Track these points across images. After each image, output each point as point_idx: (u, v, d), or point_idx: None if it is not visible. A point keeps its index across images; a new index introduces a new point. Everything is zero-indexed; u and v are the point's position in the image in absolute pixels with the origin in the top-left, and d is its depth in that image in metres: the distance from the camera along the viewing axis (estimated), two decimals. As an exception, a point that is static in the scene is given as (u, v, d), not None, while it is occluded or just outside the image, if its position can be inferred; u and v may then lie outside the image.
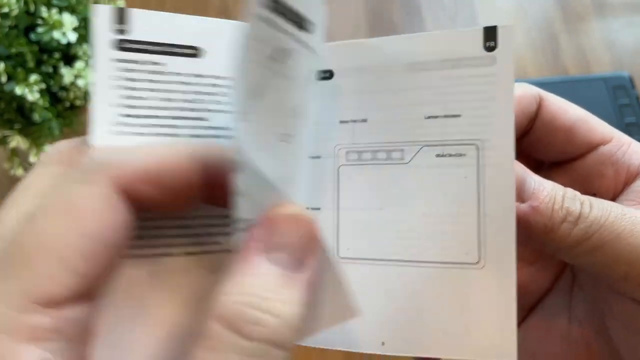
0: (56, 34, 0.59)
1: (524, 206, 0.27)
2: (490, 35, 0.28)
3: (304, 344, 0.29)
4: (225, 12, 0.78)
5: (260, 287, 0.21)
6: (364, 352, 0.29)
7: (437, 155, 0.28)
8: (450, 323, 0.27)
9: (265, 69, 0.22)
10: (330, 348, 0.29)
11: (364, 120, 0.29)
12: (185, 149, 0.24)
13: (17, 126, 0.61)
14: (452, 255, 0.28)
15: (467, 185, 0.28)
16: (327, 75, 0.30)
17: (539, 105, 0.31)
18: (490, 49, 0.28)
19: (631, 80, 0.74)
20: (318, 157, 0.30)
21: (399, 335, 0.28)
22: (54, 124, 0.61)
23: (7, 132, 0.61)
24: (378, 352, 0.28)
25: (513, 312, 0.27)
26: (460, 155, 0.28)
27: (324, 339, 0.29)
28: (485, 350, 0.27)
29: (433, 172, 0.28)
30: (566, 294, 0.33)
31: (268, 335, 0.20)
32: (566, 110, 0.31)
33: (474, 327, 0.27)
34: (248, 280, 0.21)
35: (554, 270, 0.33)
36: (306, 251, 0.22)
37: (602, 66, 0.77)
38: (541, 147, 0.32)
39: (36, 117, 0.60)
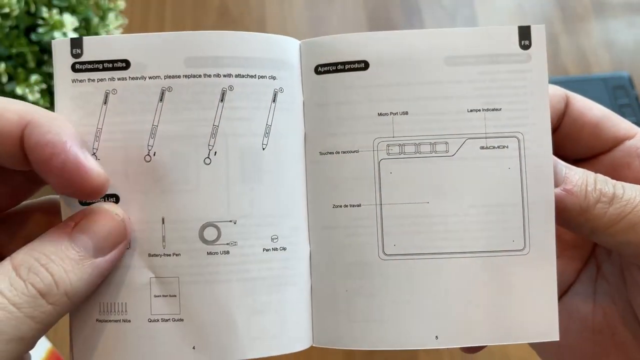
0: (57, 34, 0.58)
1: (557, 190, 0.29)
2: (524, 34, 0.29)
3: (358, 348, 0.29)
4: (225, 13, 0.78)
5: (52, 252, 0.25)
6: (419, 348, 0.29)
7: (481, 148, 0.29)
8: (498, 310, 0.29)
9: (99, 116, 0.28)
10: (382, 349, 0.29)
11: (405, 113, 0.29)
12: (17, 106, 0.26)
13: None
14: (500, 244, 0.29)
15: (511, 175, 0.29)
16: (362, 66, 0.30)
17: (567, 104, 0.33)
18: (525, 47, 0.29)
19: (631, 81, 0.75)
20: (355, 151, 0.30)
21: (451, 328, 0.29)
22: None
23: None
24: (432, 347, 0.29)
25: (554, 292, 0.29)
26: (503, 147, 0.29)
27: (375, 339, 0.29)
28: (531, 332, 0.29)
29: (478, 164, 0.29)
30: (590, 285, 0.34)
31: (38, 286, 0.24)
32: (591, 108, 0.33)
33: (519, 312, 0.29)
34: (47, 243, 0.25)
35: (577, 263, 0.35)
36: (109, 244, 0.27)
37: (602, 66, 0.78)
38: (568, 144, 0.34)
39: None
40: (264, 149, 0.29)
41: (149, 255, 0.28)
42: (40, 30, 0.58)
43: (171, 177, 0.28)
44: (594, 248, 0.34)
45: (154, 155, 0.28)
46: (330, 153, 0.30)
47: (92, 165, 0.26)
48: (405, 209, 0.29)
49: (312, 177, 0.30)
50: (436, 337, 0.29)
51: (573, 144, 0.34)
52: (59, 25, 0.58)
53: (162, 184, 0.28)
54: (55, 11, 0.58)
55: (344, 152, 0.30)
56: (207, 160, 0.28)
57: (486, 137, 0.29)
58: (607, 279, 0.33)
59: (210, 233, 0.28)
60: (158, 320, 0.28)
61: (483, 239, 0.29)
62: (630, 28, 0.80)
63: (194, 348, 0.28)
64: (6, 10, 0.56)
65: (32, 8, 0.59)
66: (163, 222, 0.28)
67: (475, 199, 0.29)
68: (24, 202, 0.31)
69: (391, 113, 0.29)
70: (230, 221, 0.28)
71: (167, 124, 0.28)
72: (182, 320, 0.28)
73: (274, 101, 0.29)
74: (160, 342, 0.28)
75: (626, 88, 0.75)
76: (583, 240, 0.34)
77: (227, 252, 0.28)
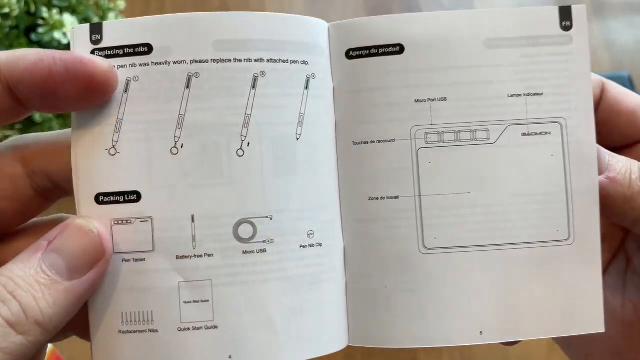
0: (57, 35, 0.57)
1: (600, 178, 0.28)
2: (565, 14, 0.28)
3: (398, 346, 0.28)
4: (225, 14, 0.76)
5: (19, 277, 0.23)
6: (463, 345, 0.28)
7: (523, 134, 0.28)
8: (543, 303, 0.28)
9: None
10: (425, 346, 0.28)
11: (444, 99, 0.28)
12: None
13: (17, 126, 0.61)
14: (544, 235, 0.28)
15: (554, 163, 0.28)
16: (397, 49, 0.28)
17: (602, 90, 0.32)
18: (566, 28, 0.28)
19: (631, 80, 0.75)
20: (391, 140, 0.28)
21: (496, 322, 0.28)
22: (55, 124, 0.60)
23: (7, 132, 0.60)
24: (477, 343, 0.27)
25: (599, 282, 0.28)
26: (546, 133, 0.28)
27: (417, 337, 0.28)
28: (576, 324, 0.28)
29: (520, 152, 0.28)
30: (620, 278, 0.33)
31: (5, 315, 0.22)
32: (627, 95, 0.32)
33: (564, 304, 0.28)
34: (16, 267, 0.23)
35: (606, 255, 0.34)
36: (85, 264, 0.24)
37: (602, 66, 0.77)
38: (604, 131, 0.33)
39: (37, 117, 0.59)
40: (297, 139, 0.27)
41: (177, 257, 0.26)
42: (40, 30, 0.58)
43: (201, 171, 0.26)
44: (623, 241, 0.34)
45: (182, 147, 0.26)
46: (364, 143, 0.28)
47: (91, 55, 0.25)
48: (446, 200, 0.28)
49: (345, 168, 0.29)
50: (480, 332, 0.28)
51: (609, 131, 0.32)
52: (59, 26, 0.57)
53: (191, 178, 0.26)
54: (55, 11, 0.57)
55: (379, 142, 0.28)
56: (240, 152, 0.27)
57: (528, 123, 0.28)
58: (638, 272, 0.32)
59: (245, 230, 0.26)
60: (189, 329, 0.26)
61: (526, 229, 0.28)
62: (630, 28, 0.79)
63: (230, 357, 0.26)
64: (6, 10, 0.55)
65: (32, 8, 0.58)
66: (193, 220, 0.26)
67: (518, 188, 0.28)
68: (34, 219, 0.29)
69: (429, 99, 0.28)
70: (267, 217, 0.27)
71: (195, 113, 0.26)
72: (216, 327, 0.26)
73: (306, 88, 0.28)
74: (192, 353, 0.26)
75: (626, 88, 0.75)
76: (612, 232, 0.33)
77: (264, 250, 0.27)
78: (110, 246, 0.25)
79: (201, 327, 0.26)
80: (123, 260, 0.26)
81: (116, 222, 0.26)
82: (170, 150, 0.26)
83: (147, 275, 0.26)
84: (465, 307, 0.28)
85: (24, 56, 0.24)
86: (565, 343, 0.34)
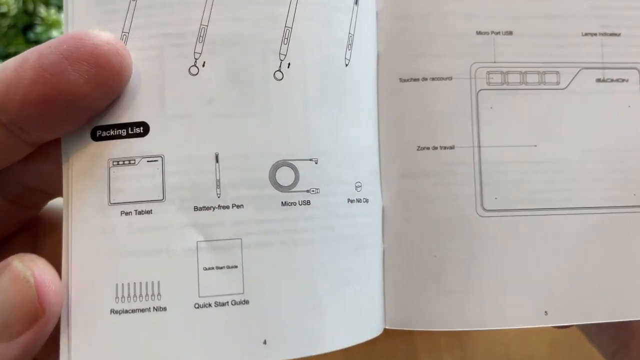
0: (55, 33, 0.54)
1: None
2: None
3: (448, 328, 0.21)
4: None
5: None
6: (526, 326, 0.21)
7: (598, 80, 0.22)
8: (619, 280, 0.21)
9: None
10: (479, 329, 0.21)
11: (509, 33, 0.21)
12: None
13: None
14: (619, 198, 0.21)
15: (631, 114, 0.22)
16: None
17: None
18: None
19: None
20: (448, 78, 0.21)
21: (563, 301, 0.21)
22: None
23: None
24: (541, 325, 0.21)
25: None
26: (622, 80, 0.22)
27: (471, 318, 0.21)
28: None
29: (594, 100, 0.22)
30: None
31: None
32: None
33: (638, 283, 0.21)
34: None
35: None
36: (18, 323, 0.16)
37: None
38: None
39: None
40: (346, 65, 0.20)
41: (196, 208, 0.18)
42: (38, 29, 0.54)
43: (229, 96, 0.18)
44: None
45: (203, 65, 0.18)
46: (414, 80, 0.21)
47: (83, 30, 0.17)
48: (509, 153, 0.21)
49: (388, 110, 0.22)
50: (545, 312, 0.21)
51: None
52: (57, 24, 0.55)
53: (215, 106, 0.18)
54: (52, 10, 0.55)
55: (432, 79, 0.21)
56: (279, 74, 0.19)
57: (603, 68, 0.22)
58: None
59: (285, 175, 0.19)
60: (210, 305, 0.18)
61: (599, 191, 0.21)
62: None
63: (265, 342, 0.18)
64: (4, 9, 0.52)
65: (30, 7, 0.55)
66: (217, 160, 0.18)
67: (591, 142, 0.21)
68: None
69: (492, 32, 0.21)
70: (311, 160, 0.19)
71: (220, 23, 0.19)
72: (246, 302, 0.18)
73: (356, 3, 0.20)
74: (214, 338, 0.18)
75: None
76: None
77: (308, 203, 0.19)
78: (54, 302, 0.17)
79: (227, 302, 0.18)
80: (122, 213, 0.18)
81: (115, 163, 0.18)
82: (189, 69, 0.19)
83: (154, 232, 0.18)
84: (528, 282, 0.21)
85: (17, 82, 0.17)
86: (596, 331, 0.28)
